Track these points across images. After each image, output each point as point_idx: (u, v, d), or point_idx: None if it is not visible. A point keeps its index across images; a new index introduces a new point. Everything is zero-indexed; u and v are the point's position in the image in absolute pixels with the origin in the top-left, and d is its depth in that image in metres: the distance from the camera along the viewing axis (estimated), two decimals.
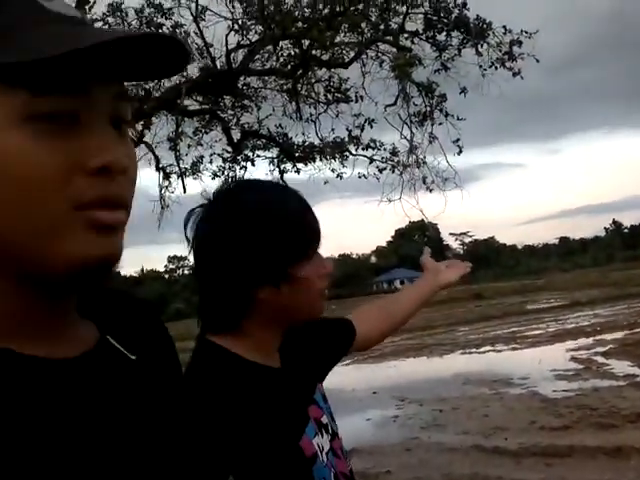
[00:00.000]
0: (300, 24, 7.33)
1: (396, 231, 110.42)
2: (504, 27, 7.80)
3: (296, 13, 7.67)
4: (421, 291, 1.92)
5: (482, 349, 17.06)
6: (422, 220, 9.85)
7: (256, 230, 1.18)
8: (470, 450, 7.23)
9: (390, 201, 8.68)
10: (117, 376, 0.67)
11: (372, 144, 8.88)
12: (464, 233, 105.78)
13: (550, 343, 16.36)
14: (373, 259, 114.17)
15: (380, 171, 9.03)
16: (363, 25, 7.38)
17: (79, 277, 0.61)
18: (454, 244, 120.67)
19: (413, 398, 11.05)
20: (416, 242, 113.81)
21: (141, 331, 0.76)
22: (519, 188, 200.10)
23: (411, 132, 8.18)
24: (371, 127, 8.26)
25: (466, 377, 12.54)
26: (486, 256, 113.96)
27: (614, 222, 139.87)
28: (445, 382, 12.29)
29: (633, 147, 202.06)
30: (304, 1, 7.93)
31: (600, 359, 12.81)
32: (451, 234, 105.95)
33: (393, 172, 8.94)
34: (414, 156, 8.16)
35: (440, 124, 8.09)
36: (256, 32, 7.95)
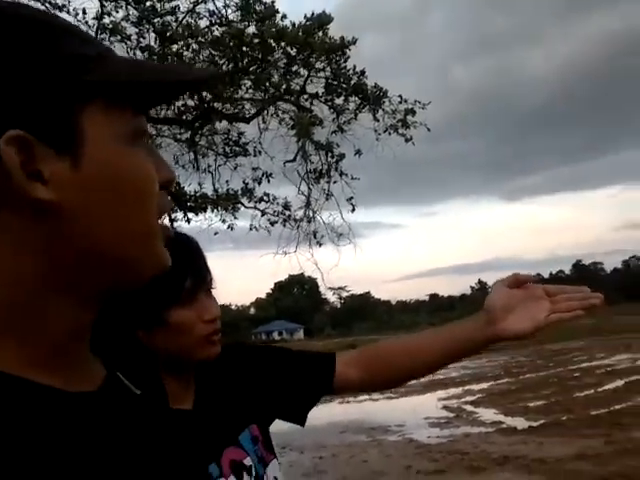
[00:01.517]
0: None
1: (275, 284, 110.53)
2: (400, 96, 8.36)
3: (196, 65, 7.83)
4: (467, 337, 1.39)
5: (359, 398, 17.43)
6: (301, 273, 10.07)
7: None
8: None
9: (286, 254, 8.90)
10: (126, 411, 0.67)
11: (265, 197, 9.10)
12: (341, 288, 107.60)
13: (423, 393, 17.02)
14: (252, 310, 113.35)
15: (272, 224, 9.24)
16: (267, 84, 7.69)
17: (150, 280, 0.65)
18: (332, 298, 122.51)
19: (294, 445, 11.14)
20: (294, 295, 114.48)
21: (138, 364, 0.81)
22: (396, 247, 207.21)
23: (309, 188, 8.54)
24: (268, 181, 8.50)
25: (345, 425, 12.81)
26: (362, 310, 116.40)
27: (479, 282, 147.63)
28: (324, 430, 12.44)
29: (494, 214, 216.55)
30: (202, 55, 8.14)
31: (469, 407, 13.56)
32: (329, 288, 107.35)
33: (284, 226, 9.18)
34: (311, 211, 8.48)
35: (335, 182, 8.51)
36: None
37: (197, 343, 1.24)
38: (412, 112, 8.19)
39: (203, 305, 1.25)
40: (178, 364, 1.25)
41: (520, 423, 11.07)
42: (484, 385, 17.27)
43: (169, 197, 0.68)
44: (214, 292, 1.32)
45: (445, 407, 13.99)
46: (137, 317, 1.17)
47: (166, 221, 9.04)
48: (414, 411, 13.33)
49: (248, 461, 1.28)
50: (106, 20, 7.86)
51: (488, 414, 12.42)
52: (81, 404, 0.60)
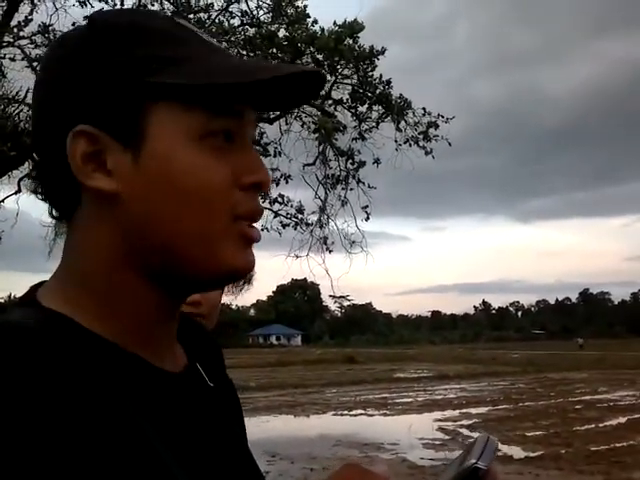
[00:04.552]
0: None
1: (277, 287, 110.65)
2: (423, 109, 8.33)
3: None
4: None
5: (354, 412, 17.30)
6: (304, 279, 10.03)
7: None
8: None
9: (297, 257, 8.81)
10: (203, 397, 0.72)
11: (280, 199, 9.05)
12: (343, 296, 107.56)
13: (419, 412, 16.89)
14: (252, 312, 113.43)
15: (283, 226, 9.17)
16: None
17: (225, 281, 0.68)
18: (332, 306, 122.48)
19: (284, 455, 11.02)
20: (295, 300, 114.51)
21: (212, 360, 0.81)
22: (401, 259, 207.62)
23: (325, 193, 8.45)
24: (287, 182, 8.43)
25: (337, 438, 12.67)
26: (362, 321, 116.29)
27: (484, 302, 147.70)
28: (316, 442, 12.33)
29: (504, 234, 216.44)
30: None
31: (465, 431, 13.38)
32: (331, 296, 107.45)
33: (295, 229, 9.12)
34: (326, 216, 8.39)
35: (351, 189, 8.44)
36: None
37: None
38: (435, 125, 8.18)
39: None
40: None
41: (517, 452, 10.92)
42: (482, 410, 17.06)
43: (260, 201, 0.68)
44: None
45: (441, 429, 13.82)
46: None
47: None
48: (409, 430, 13.14)
49: None
50: None
51: None
52: (166, 381, 0.65)
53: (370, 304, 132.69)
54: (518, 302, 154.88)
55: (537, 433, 12.84)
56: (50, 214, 0.69)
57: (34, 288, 0.67)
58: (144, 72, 0.61)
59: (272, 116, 7.75)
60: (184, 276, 0.64)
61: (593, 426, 13.62)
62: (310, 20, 8.07)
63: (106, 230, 0.63)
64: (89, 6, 7.68)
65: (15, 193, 8.10)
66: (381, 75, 8.36)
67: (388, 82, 8.17)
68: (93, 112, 0.62)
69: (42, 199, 0.68)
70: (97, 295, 0.63)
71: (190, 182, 0.61)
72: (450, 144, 8.19)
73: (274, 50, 7.91)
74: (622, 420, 14.37)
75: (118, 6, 7.64)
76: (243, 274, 0.67)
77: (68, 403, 0.53)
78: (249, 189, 0.65)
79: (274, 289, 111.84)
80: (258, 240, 0.67)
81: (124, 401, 0.58)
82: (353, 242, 8.80)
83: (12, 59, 7.45)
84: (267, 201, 9.03)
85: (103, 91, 0.61)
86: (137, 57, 0.62)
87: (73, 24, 7.67)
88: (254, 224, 0.67)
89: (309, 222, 9.05)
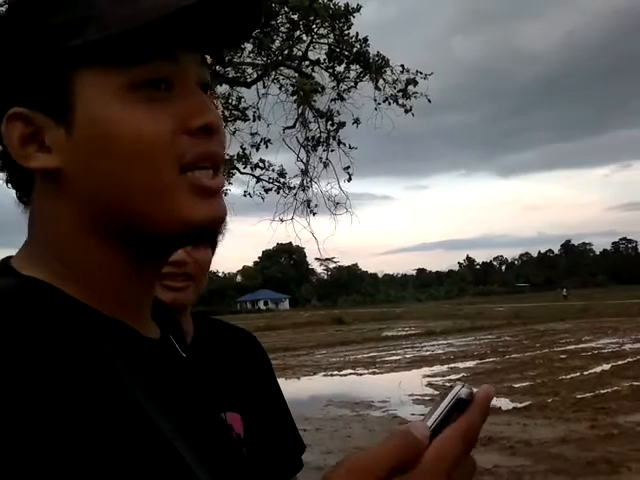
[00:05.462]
0: None
1: (263, 252, 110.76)
2: (402, 66, 8.24)
3: None
4: None
5: (343, 372, 17.49)
6: (290, 243, 10.06)
7: None
8: None
9: (282, 221, 8.80)
10: (176, 364, 0.73)
11: (261, 164, 8.98)
12: (329, 259, 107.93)
13: (407, 369, 17.10)
14: (239, 278, 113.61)
15: (266, 191, 9.14)
16: (269, 48, 7.53)
17: (189, 237, 0.65)
18: (319, 269, 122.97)
19: None
20: (281, 264, 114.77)
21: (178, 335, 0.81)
22: (385, 219, 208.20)
23: (307, 156, 8.40)
24: (267, 147, 8.36)
25: (328, 398, 12.81)
26: (349, 282, 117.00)
27: (467, 258, 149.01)
28: (308, 403, 12.45)
29: (487, 190, 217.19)
30: None
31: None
32: (317, 259, 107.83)
33: (278, 193, 9.08)
34: (308, 179, 8.36)
35: (332, 151, 8.39)
36: None
37: None
38: (414, 82, 8.09)
39: None
40: None
41: (505, 404, 11.10)
42: (470, 363, 17.32)
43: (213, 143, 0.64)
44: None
45: (430, 384, 14.02)
46: None
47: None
48: (398, 387, 13.33)
49: None
50: None
51: None
52: (147, 345, 0.66)
53: (356, 265, 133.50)
54: (502, 256, 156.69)
55: (524, 384, 13.06)
56: (19, 199, 0.68)
57: (6, 260, 0.67)
58: (59, 40, 0.59)
59: (249, 80, 7.65)
60: (145, 235, 0.63)
61: (578, 374, 13.87)
62: None
63: (61, 204, 0.63)
64: None
65: None
66: (357, 33, 8.25)
67: (365, 40, 8.06)
68: (22, 92, 0.61)
69: (9, 187, 0.68)
70: (69, 264, 0.64)
71: (125, 139, 0.60)
72: (430, 101, 8.14)
73: None
74: (606, 367, 14.64)
75: None
76: (205, 227, 0.64)
77: (47, 364, 0.53)
78: (197, 134, 0.62)
79: (260, 255, 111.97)
80: (217, 189, 0.64)
81: (105, 361, 0.58)
82: (337, 204, 8.83)
83: None
84: (248, 166, 8.99)
85: (26, 68, 0.61)
86: (50, 26, 0.60)
87: None
88: (215, 172, 0.64)
89: (292, 186, 9.03)
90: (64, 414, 0.52)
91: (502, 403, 11.09)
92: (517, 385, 12.97)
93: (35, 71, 0.61)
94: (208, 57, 0.69)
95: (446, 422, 0.56)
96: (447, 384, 13.84)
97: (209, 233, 0.65)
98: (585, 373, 14.06)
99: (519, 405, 10.89)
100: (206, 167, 0.63)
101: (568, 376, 13.76)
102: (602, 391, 11.54)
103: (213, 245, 1.42)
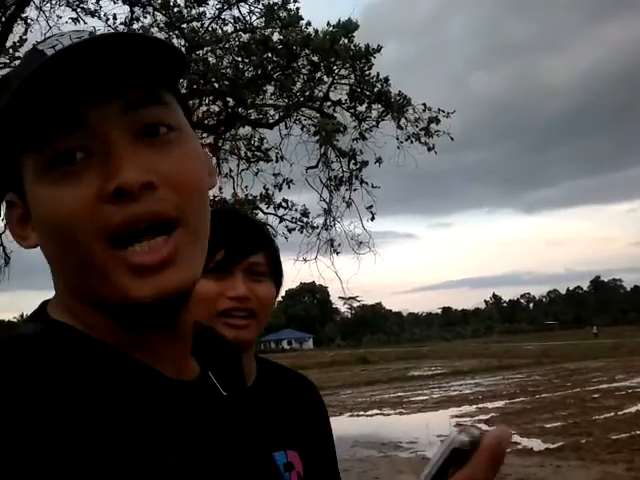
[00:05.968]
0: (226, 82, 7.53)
1: (286, 291, 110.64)
2: (423, 104, 8.28)
3: (220, 72, 7.86)
4: None
5: (370, 412, 17.24)
6: (313, 282, 10.06)
7: None
8: None
9: (305, 260, 8.81)
10: (214, 404, 0.71)
11: (284, 204, 9.03)
12: (353, 297, 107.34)
13: (435, 409, 16.80)
14: None
15: (289, 231, 9.16)
16: (291, 90, 7.65)
17: (137, 313, 0.61)
18: (342, 308, 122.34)
19: None
20: (305, 304, 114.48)
21: (231, 372, 0.79)
22: (408, 257, 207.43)
23: (330, 195, 8.45)
24: (289, 187, 8.43)
25: (355, 439, 12.61)
26: (373, 321, 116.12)
27: (494, 296, 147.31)
28: (335, 444, 12.27)
29: (511, 226, 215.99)
30: (226, 61, 8.15)
31: (483, 426, 13.25)
32: (340, 298, 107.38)
33: (301, 233, 9.11)
34: (331, 218, 8.39)
35: (355, 190, 8.42)
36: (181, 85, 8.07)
37: (211, 319, 1.20)
38: (436, 120, 8.12)
39: (233, 282, 1.22)
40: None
41: (537, 445, 10.82)
42: (499, 403, 16.96)
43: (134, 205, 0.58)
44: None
45: (458, 425, 13.70)
46: None
47: None
48: (426, 428, 13.07)
49: None
50: (135, 25, 7.98)
51: None
52: (171, 388, 0.64)
53: (380, 304, 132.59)
54: (529, 294, 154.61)
55: (556, 424, 12.73)
56: None
57: (44, 303, 0.68)
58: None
59: (271, 121, 7.76)
60: (107, 306, 0.61)
61: (612, 414, 13.49)
62: (303, 22, 8.06)
63: (53, 272, 0.67)
64: (82, 22, 7.70)
65: None
66: (378, 73, 8.34)
67: (386, 79, 8.13)
68: (6, 180, 0.66)
69: None
70: (76, 317, 0.65)
71: (48, 220, 0.60)
72: (452, 138, 8.17)
73: (269, 54, 7.90)
74: None
75: (111, 21, 7.66)
76: (150, 304, 0.59)
77: (62, 405, 0.53)
78: (114, 199, 0.57)
79: (283, 294, 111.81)
80: (156, 263, 0.59)
81: (123, 402, 0.58)
82: (360, 243, 8.81)
83: None
84: (271, 207, 9.05)
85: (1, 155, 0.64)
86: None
87: None
88: (155, 234, 0.59)
89: (315, 225, 9.06)
90: (71, 456, 0.51)
91: (534, 444, 10.81)
92: (549, 425, 12.65)
93: (2, 160, 0.64)
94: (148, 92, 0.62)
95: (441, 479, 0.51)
96: (476, 424, 13.51)
97: (158, 309, 0.61)
98: (620, 413, 13.66)
99: (552, 446, 10.60)
100: (141, 235, 0.59)
101: (602, 416, 13.38)
102: (638, 432, 11.18)
103: (277, 280, 1.36)
